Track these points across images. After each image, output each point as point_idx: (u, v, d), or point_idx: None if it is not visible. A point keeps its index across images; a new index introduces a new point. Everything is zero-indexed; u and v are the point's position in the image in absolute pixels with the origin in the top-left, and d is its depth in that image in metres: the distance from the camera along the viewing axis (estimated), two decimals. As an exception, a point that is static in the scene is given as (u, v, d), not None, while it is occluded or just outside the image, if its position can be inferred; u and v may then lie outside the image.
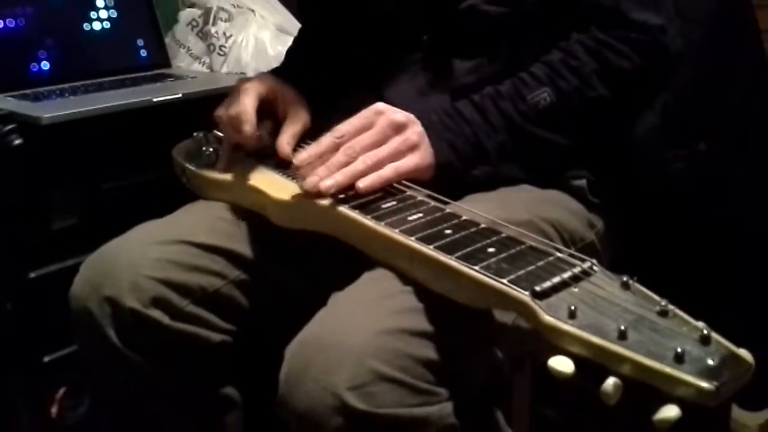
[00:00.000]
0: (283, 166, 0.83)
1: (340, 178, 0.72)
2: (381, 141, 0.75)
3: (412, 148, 0.76)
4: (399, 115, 0.77)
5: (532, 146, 0.81)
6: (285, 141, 0.85)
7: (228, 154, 0.88)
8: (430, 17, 0.87)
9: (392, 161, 0.75)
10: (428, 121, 0.79)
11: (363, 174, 0.73)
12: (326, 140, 0.75)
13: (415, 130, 0.77)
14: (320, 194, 0.72)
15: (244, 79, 0.91)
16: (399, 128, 0.76)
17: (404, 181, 0.76)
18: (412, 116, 0.78)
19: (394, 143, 0.75)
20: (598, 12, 0.82)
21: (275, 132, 0.88)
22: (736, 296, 1.07)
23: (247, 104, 0.84)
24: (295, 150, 0.85)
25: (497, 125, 0.79)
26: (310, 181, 0.72)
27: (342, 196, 0.73)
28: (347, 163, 0.73)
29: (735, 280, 1.08)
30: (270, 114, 0.90)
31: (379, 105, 0.77)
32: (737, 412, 1.20)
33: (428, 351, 0.63)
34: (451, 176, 0.78)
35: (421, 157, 0.76)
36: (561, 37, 0.83)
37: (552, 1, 0.83)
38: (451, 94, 0.85)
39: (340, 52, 0.99)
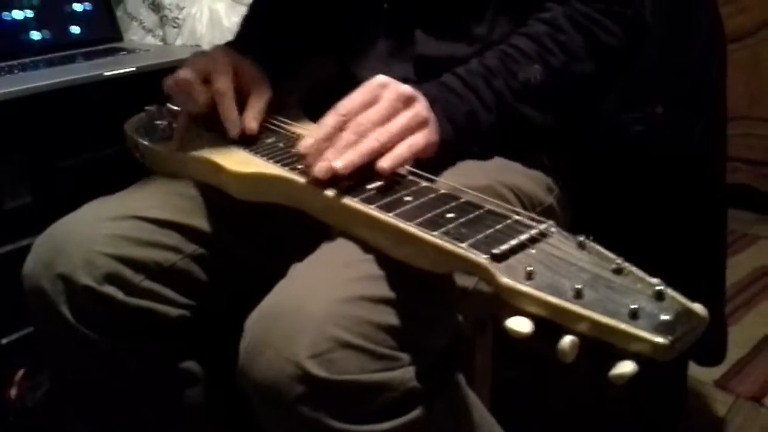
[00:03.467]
0: (241, 138, 0.82)
1: (352, 156, 0.66)
2: (390, 115, 0.70)
3: (422, 124, 0.71)
4: (405, 87, 0.71)
5: (515, 124, 0.79)
6: (251, 116, 0.83)
7: (184, 129, 0.85)
8: None
9: (402, 138, 0.69)
10: (431, 95, 0.74)
11: (377, 152, 0.67)
12: (330, 120, 0.69)
13: (423, 104, 0.72)
14: (335, 179, 0.66)
15: (200, 53, 0.89)
16: (408, 101, 0.71)
17: None
18: (416, 90, 0.73)
19: (404, 118, 0.70)
20: None
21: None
22: (690, 254, 1.09)
23: (227, 92, 0.82)
24: (267, 126, 0.83)
25: (490, 104, 0.77)
26: (321, 167, 0.66)
27: (300, 166, 0.72)
28: (357, 142, 0.67)
29: (689, 237, 1.10)
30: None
31: (381, 78, 0.71)
32: (693, 368, 1.23)
33: (389, 317, 0.63)
34: (447, 155, 0.75)
35: (430, 134, 0.72)
36: (531, 11, 0.82)
37: None
38: (414, 64, 0.84)
39: (299, 18, 0.98)
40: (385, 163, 0.67)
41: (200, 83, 0.82)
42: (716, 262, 1.14)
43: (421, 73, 0.84)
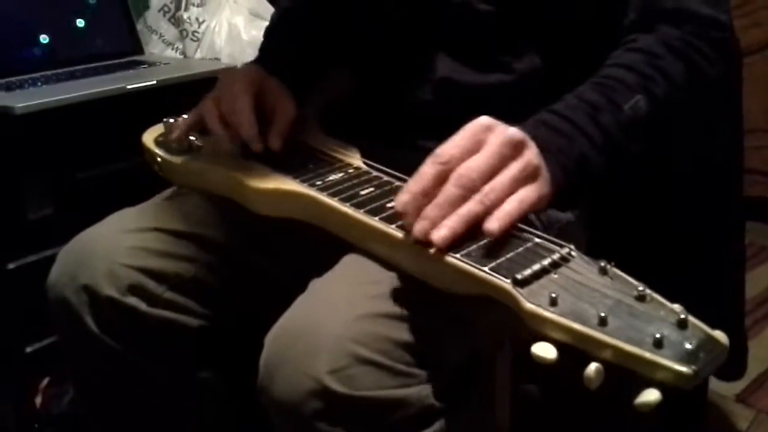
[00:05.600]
0: (261, 154, 0.82)
1: (455, 225, 0.57)
2: (498, 166, 0.60)
3: (534, 175, 0.61)
4: (513, 131, 0.61)
5: (619, 162, 0.70)
6: (275, 135, 0.82)
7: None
8: (415, 4, 0.84)
9: (512, 192, 0.60)
10: (539, 139, 0.64)
11: (482, 216, 0.58)
12: (429, 170, 0.59)
13: (534, 151, 0.62)
14: (430, 244, 0.58)
15: (229, 72, 0.88)
16: (517, 148, 0.61)
17: (377, 164, 0.75)
18: (524, 133, 0.63)
19: (514, 170, 0.60)
20: (661, 10, 0.75)
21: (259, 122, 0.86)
22: (709, 268, 1.08)
23: (245, 110, 0.81)
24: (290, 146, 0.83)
25: (599, 144, 0.67)
26: (420, 228, 0.58)
27: (319, 182, 0.73)
28: (463, 198, 0.58)
29: (708, 251, 1.09)
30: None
31: (485, 119, 0.62)
32: (714, 383, 1.22)
33: (407, 334, 0.63)
34: (556, 204, 0.65)
35: (542, 186, 0.62)
36: (563, 41, 0.80)
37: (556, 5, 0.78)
38: (433, 86, 0.84)
39: (319, 34, 0.98)
40: (493, 225, 0.57)
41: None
42: (735, 276, 1.13)
43: (441, 97, 0.84)
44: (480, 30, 0.82)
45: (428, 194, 0.59)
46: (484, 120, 0.62)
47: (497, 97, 0.82)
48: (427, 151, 0.87)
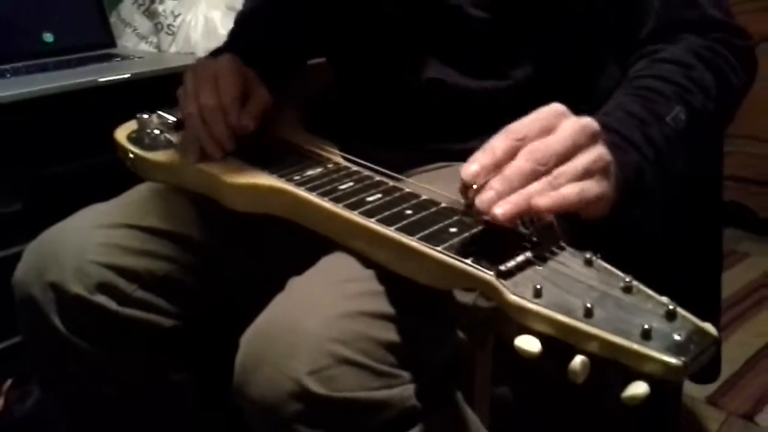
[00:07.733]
0: (237, 149, 0.81)
1: (520, 202, 0.53)
2: (571, 151, 0.56)
3: (603, 170, 0.58)
4: (589, 119, 0.58)
5: (665, 178, 0.67)
6: (246, 115, 0.80)
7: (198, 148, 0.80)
8: (409, 4, 0.83)
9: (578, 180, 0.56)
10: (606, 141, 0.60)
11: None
12: (500, 143, 0.56)
13: (605, 147, 0.59)
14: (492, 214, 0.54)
15: (207, 63, 0.84)
16: (592, 138, 0.58)
17: (357, 159, 0.74)
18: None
19: (587, 159, 0.57)
20: (685, 19, 0.74)
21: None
22: (686, 271, 1.09)
23: (228, 98, 0.78)
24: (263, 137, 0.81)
25: (651, 159, 0.65)
26: (485, 199, 0.54)
27: (297, 177, 0.72)
28: (533, 173, 0.55)
29: (685, 254, 1.09)
30: None
31: (557, 105, 0.59)
32: (686, 385, 1.23)
33: (389, 333, 0.62)
34: (611, 216, 0.61)
35: (607, 187, 0.58)
36: (559, 50, 0.80)
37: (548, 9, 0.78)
38: (419, 88, 0.83)
39: (298, 21, 0.97)
40: (543, 200, 0.53)
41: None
42: (712, 280, 1.14)
43: (427, 98, 0.83)
44: (472, 35, 0.81)
45: (498, 168, 0.56)
46: (557, 106, 0.59)
47: (489, 101, 0.81)
48: (410, 151, 0.87)
